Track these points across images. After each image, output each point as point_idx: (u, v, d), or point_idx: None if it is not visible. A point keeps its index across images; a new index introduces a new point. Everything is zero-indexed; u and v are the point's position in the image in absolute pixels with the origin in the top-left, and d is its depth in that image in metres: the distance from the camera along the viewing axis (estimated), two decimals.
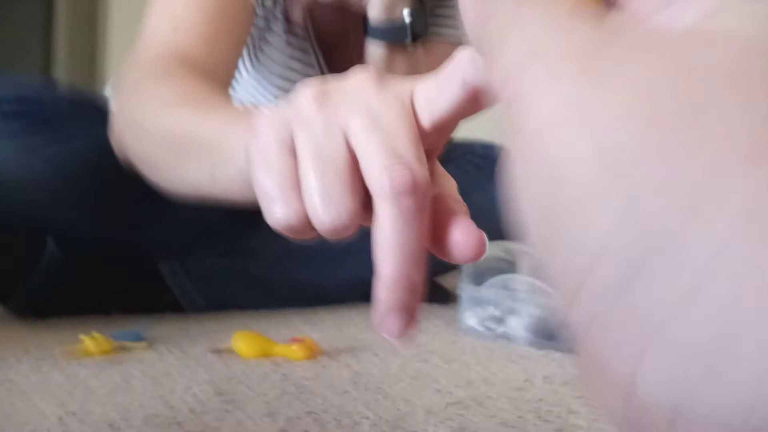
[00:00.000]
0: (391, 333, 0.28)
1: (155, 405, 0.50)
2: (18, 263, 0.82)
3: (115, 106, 0.65)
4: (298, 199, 0.29)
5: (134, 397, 0.51)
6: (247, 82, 0.95)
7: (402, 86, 0.30)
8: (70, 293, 0.85)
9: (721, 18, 0.13)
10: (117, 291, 0.88)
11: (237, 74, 0.90)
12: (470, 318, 0.77)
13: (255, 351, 0.65)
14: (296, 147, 0.29)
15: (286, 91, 0.92)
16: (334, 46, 0.97)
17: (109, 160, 0.85)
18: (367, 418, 0.47)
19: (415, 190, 0.26)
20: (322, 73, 0.95)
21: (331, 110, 0.28)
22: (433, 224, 0.29)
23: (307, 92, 0.30)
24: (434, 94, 0.29)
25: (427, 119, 0.29)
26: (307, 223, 0.29)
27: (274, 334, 0.77)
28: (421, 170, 0.27)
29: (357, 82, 0.30)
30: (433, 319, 0.87)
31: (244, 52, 0.90)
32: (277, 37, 0.93)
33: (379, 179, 0.26)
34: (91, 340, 0.64)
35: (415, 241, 0.27)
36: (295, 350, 0.65)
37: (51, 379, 0.56)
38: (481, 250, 0.28)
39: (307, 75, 0.93)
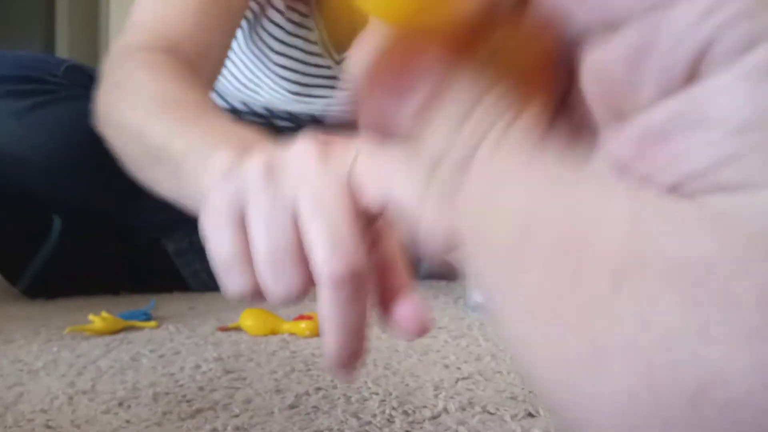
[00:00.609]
0: (339, 373, 0.29)
1: (164, 383, 0.50)
2: (26, 245, 0.82)
3: (100, 92, 0.67)
4: (249, 270, 0.29)
5: (143, 375, 0.52)
6: (246, 59, 0.94)
7: (344, 157, 0.29)
8: (78, 273, 0.85)
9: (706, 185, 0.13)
10: (125, 271, 0.88)
11: (233, 53, 0.90)
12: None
13: (263, 328, 0.65)
14: (247, 220, 0.29)
15: (287, 68, 0.91)
16: (337, 22, 0.96)
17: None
18: (376, 393, 0.47)
19: (351, 279, 0.27)
20: (325, 49, 0.94)
21: (278, 187, 0.29)
22: (381, 296, 0.30)
23: (255, 166, 0.30)
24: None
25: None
26: (259, 292, 0.30)
27: (282, 311, 0.77)
28: (357, 257, 0.27)
29: (300, 156, 0.30)
30: (441, 296, 0.87)
31: (243, 30, 0.89)
32: (278, 13, 0.92)
33: (320, 267, 0.27)
34: (99, 319, 0.64)
35: (354, 320, 0.28)
36: (303, 327, 0.65)
37: (60, 359, 0.56)
38: (424, 327, 0.29)
39: (310, 52, 0.92)
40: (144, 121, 0.54)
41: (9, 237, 0.83)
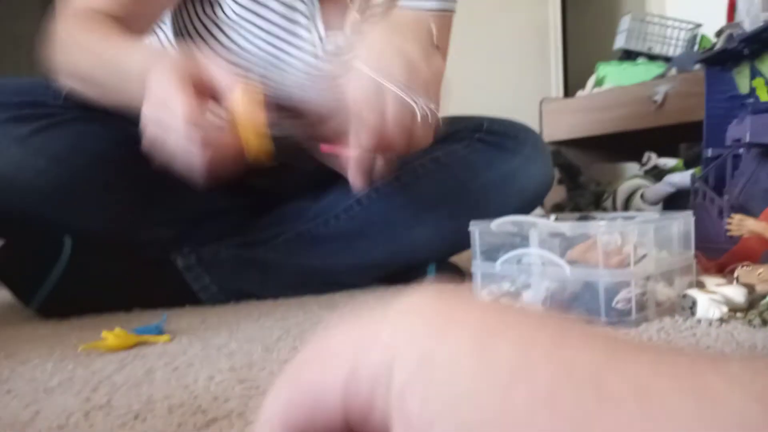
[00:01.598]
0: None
1: (179, 394, 0.50)
2: (37, 265, 0.83)
3: (52, 50, 0.84)
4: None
5: (158, 388, 0.52)
6: (239, 25, 0.91)
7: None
8: (90, 292, 0.86)
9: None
10: (136, 288, 0.89)
11: (228, 18, 0.89)
12: (485, 295, 0.77)
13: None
14: None
15: (284, 29, 0.91)
16: None
17: (112, 153, 0.87)
18: None
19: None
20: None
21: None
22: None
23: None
24: None
25: None
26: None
27: (293, 320, 0.77)
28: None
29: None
30: None
31: None
32: None
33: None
34: (112, 335, 0.65)
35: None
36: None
37: (75, 376, 0.57)
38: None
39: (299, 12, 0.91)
40: (95, 58, 0.80)
41: (21, 258, 0.84)
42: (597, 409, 0.14)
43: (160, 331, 0.70)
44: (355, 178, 0.77)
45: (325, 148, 0.81)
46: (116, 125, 0.91)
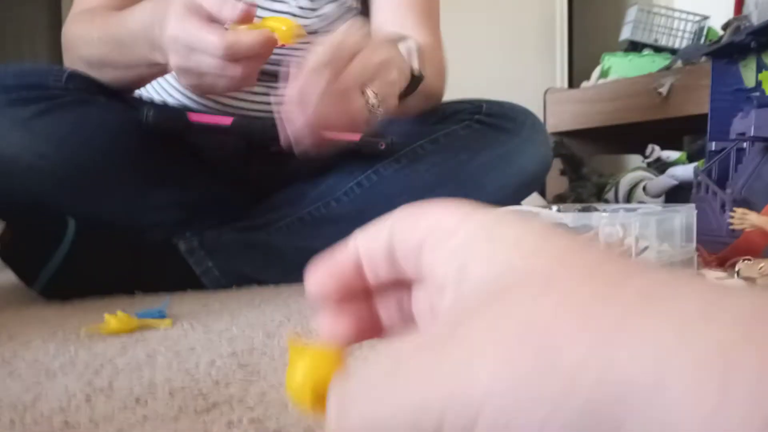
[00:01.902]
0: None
1: (180, 379, 0.50)
2: (41, 246, 0.83)
3: (65, 52, 0.98)
4: None
5: (159, 372, 0.52)
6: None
7: None
8: (93, 274, 0.86)
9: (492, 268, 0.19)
10: (139, 271, 0.89)
11: None
12: None
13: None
14: None
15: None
16: None
17: (113, 140, 0.88)
18: None
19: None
20: None
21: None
22: None
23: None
24: None
25: None
26: None
27: (294, 306, 0.78)
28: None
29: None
30: None
31: None
32: None
33: None
34: (115, 318, 0.65)
35: None
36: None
37: (77, 359, 0.57)
38: None
39: None
40: (105, 42, 0.89)
41: (24, 240, 0.84)
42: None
43: (162, 316, 0.70)
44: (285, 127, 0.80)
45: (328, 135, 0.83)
46: (118, 109, 0.92)
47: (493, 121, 1.00)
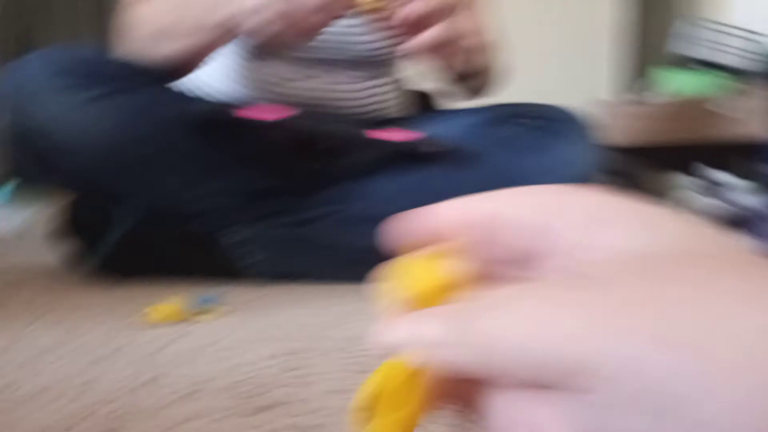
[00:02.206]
0: None
1: (226, 377, 0.50)
2: (98, 226, 0.84)
3: (128, 38, 0.98)
4: None
5: (205, 369, 0.52)
6: None
7: None
8: (143, 258, 0.87)
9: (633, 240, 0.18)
10: (187, 259, 0.90)
11: None
12: None
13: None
14: None
15: None
16: None
17: (166, 127, 0.90)
18: None
19: None
20: None
21: None
22: None
23: None
24: None
25: None
26: None
27: (337, 309, 0.77)
28: None
29: None
30: None
31: None
32: None
33: None
34: (163, 307, 0.66)
35: None
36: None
37: (126, 346, 0.57)
38: None
39: None
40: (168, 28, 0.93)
41: (81, 217, 0.85)
42: None
43: (211, 306, 0.70)
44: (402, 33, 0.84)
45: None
46: (171, 98, 0.93)
47: (540, 123, 0.99)
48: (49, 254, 1.10)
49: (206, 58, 0.99)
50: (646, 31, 2.67)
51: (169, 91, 0.97)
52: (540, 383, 0.17)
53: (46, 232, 1.07)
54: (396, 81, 1.15)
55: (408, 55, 0.88)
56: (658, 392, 0.15)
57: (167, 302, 0.67)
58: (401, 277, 0.20)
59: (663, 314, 0.15)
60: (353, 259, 0.98)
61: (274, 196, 0.99)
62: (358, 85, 1.06)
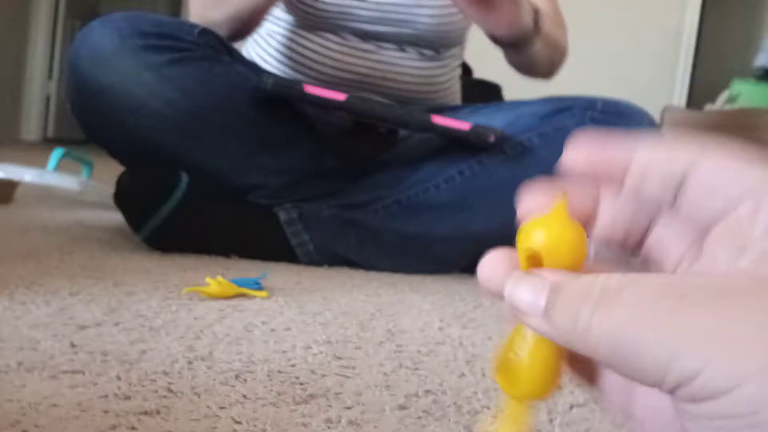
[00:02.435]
0: None
1: (277, 360, 0.50)
2: (152, 196, 0.86)
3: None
4: None
5: (257, 348, 0.52)
6: None
7: None
8: (196, 230, 0.88)
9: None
10: (239, 234, 0.91)
11: None
12: None
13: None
14: None
15: None
16: None
17: (234, 97, 0.91)
18: (487, 407, 0.46)
19: None
20: None
21: None
22: None
23: None
24: None
25: None
26: None
27: (385, 298, 0.77)
28: None
29: None
30: None
31: None
32: None
33: None
34: (215, 282, 0.66)
35: None
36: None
37: (179, 319, 0.58)
38: None
39: None
40: None
41: (138, 187, 0.87)
42: None
43: (258, 287, 0.71)
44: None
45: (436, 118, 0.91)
46: (240, 70, 0.95)
47: (607, 118, 0.95)
48: (105, 215, 1.12)
49: (258, 23, 1.01)
50: (729, 39, 2.57)
51: (242, 61, 0.98)
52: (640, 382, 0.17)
53: (105, 194, 1.10)
54: (454, 67, 1.14)
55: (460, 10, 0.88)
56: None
57: (219, 278, 0.67)
58: (539, 230, 0.20)
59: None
60: (399, 247, 0.98)
61: (328, 177, 0.99)
62: (415, 64, 1.05)
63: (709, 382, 0.15)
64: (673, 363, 0.15)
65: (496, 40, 1.00)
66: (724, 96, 1.84)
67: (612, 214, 0.22)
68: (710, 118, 1.79)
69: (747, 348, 0.15)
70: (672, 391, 0.16)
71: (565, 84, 1.04)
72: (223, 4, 0.97)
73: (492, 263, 0.21)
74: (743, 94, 1.74)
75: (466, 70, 1.63)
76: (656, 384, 0.16)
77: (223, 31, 0.98)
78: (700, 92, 2.48)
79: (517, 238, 0.20)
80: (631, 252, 0.22)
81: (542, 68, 1.08)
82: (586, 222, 0.21)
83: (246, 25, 1.00)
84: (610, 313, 0.17)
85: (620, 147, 0.21)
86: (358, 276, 0.90)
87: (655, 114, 2.04)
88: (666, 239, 0.21)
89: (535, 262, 0.20)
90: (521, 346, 0.20)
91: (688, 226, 0.20)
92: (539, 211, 0.21)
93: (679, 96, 2.52)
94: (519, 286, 0.19)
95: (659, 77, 2.50)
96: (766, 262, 0.17)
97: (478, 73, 1.69)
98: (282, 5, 1.03)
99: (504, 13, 0.90)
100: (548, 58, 1.06)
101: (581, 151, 0.22)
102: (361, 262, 0.95)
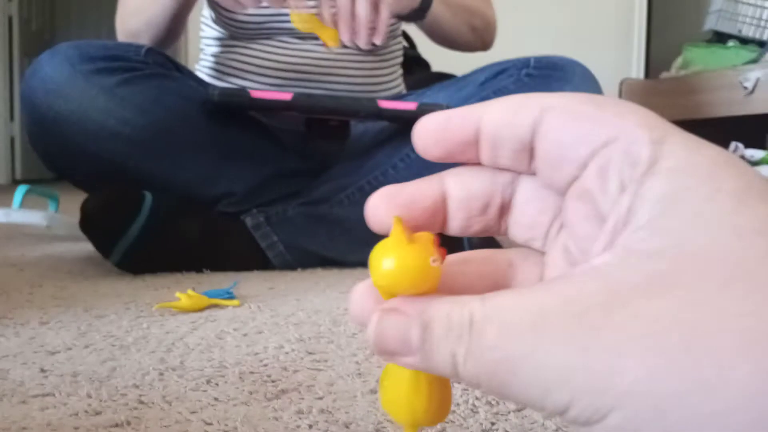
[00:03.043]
0: None
1: (249, 362, 0.51)
2: (119, 219, 0.86)
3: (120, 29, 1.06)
4: None
5: (229, 354, 0.53)
6: None
7: None
8: (166, 249, 0.88)
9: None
10: (209, 247, 0.91)
11: None
12: None
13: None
14: None
15: None
16: None
17: (189, 110, 0.93)
18: (458, 382, 0.47)
19: None
20: None
21: None
22: None
23: None
24: None
25: None
26: None
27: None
28: None
29: None
30: None
31: None
32: None
33: None
34: (186, 296, 0.66)
35: None
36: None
37: (150, 335, 0.58)
38: None
39: None
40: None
41: (103, 212, 0.87)
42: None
43: (230, 296, 0.71)
44: (342, 33, 0.84)
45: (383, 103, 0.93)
46: (191, 84, 0.96)
47: (542, 73, 0.98)
48: (76, 246, 1.12)
49: (177, 31, 1.03)
50: (678, 6, 2.61)
51: (191, 76, 1.00)
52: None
53: (72, 225, 1.09)
54: (396, 60, 1.15)
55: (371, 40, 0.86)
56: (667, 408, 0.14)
57: (189, 292, 0.68)
58: (378, 260, 0.19)
59: (653, 367, 0.14)
60: (369, 235, 0.98)
61: (290, 178, 1.00)
62: (355, 59, 1.07)
63: (580, 414, 0.15)
64: (545, 399, 0.15)
65: (399, 17, 1.02)
66: (678, 62, 1.87)
67: (465, 192, 0.21)
68: (665, 86, 1.82)
69: (604, 381, 0.15)
70: (558, 417, 0.16)
71: None
72: (141, 12, 1.00)
73: (359, 299, 0.20)
74: (695, 58, 1.77)
75: (424, 64, 1.65)
76: (541, 411, 0.16)
77: (144, 39, 1.00)
78: (656, 62, 2.52)
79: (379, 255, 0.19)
80: (497, 224, 0.21)
81: (465, 36, 1.12)
82: (436, 212, 0.21)
83: (167, 32, 1.02)
84: (481, 357, 0.16)
85: (464, 119, 0.20)
86: (331, 275, 0.90)
87: (614, 88, 2.07)
88: (530, 208, 0.20)
89: (389, 291, 0.19)
90: (399, 376, 0.19)
91: (550, 192, 0.19)
92: (383, 232, 0.20)
93: (636, 68, 2.55)
94: (384, 329, 0.18)
95: (615, 51, 2.53)
96: (621, 243, 0.16)
97: (436, 67, 1.71)
98: (212, 24, 1.06)
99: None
100: (466, 24, 1.09)
101: (429, 136, 0.20)
102: (334, 256, 0.96)
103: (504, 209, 0.21)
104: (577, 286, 0.16)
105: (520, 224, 0.21)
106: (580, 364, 0.15)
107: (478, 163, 0.20)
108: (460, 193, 0.21)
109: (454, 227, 0.21)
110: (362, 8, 0.82)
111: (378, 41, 0.86)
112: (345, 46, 0.85)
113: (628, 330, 0.15)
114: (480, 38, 1.14)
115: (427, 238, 0.19)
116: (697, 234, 0.15)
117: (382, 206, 0.21)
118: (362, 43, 0.84)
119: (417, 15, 1.01)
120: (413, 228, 0.20)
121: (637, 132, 0.17)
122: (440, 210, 0.21)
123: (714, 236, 0.15)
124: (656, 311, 0.15)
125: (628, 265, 0.16)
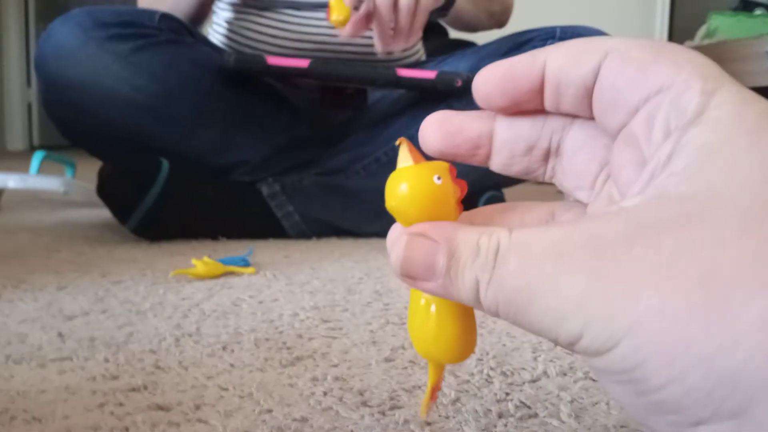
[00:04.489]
0: None
1: (264, 329, 0.51)
2: (136, 186, 0.86)
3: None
4: None
5: (244, 320, 0.53)
6: None
7: None
8: (181, 217, 0.89)
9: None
10: (224, 214, 0.91)
11: None
12: None
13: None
14: None
15: None
16: None
17: (203, 77, 0.91)
18: (473, 352, 0.46)
19: None
20: None
21: None
22: None
23: None
24: None
25: None
26: None
27: (373, 263, 0.77)
28: None
29: None
30: None
31: None
32: None
33: None
34: (202, 263, 0.67)
35: None
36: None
37: (166, 301, 0.58)
38: None
39: None
40: None
41: (121, 179, 0.87)
42: None
43: (246, 263, 0.71)
44: (377, 42, 0.84)
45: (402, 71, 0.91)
46: (205, 51, 0.95)
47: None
48: (93, 212, 1.13)
49: (203, 14, 1.03)
50: None
51: (206, 42, 0.99)
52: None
53: (89, 191, 1.10)
54: None
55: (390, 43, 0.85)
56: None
57: (205, 259, 0.68)
58: (387, 184, 0.20)
59: (666, 300, 0.15)
60: (384, 208, 0.98)
61: (305, 147, 0.99)
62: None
63: (591, 342, 0.16)
64: (559, 327, 0.16)
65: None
66: (702, 31, 1.82)
67: (512, 133, 0.21)
68: None
69: (618, 308, 0.15)
70: (569, 348, 0.16)
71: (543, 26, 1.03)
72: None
73: (395, 228, 0.21)
74: (721, 27, 1.73)
75: (441, 31, 1.62)
76: (554, 342, 0.17)
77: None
78: (680, 30, 2.47)
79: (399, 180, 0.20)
80: (539, 168, 0.21)
81: (483, 22, 1.11)
82: (478, 147, 0.21)
83: (192, 17, 1.01)
84: (502, 285, 0.17)
85: (529, 66, 0.20)
86: (346, 245, 0.90)
87: None
88: (579, 157, 0.20)
89: (407, 218, 0.19)
90: (425, 309, 0.20)
91: (600, 142, 0.20)
92: (430, 152, 0.21)
93: (660, 36, 2.50)
94: (412, 253, 0.18)
95: (639, 19, 2.48)
96: (653, 186, 0.17)
97: (453, 34, 1.68)
98: None
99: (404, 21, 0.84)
100: (485, 12, 1.07)
101: (494, 87, 0.21)
102: (348, 226, 0.96)
103: (549, 154, 0.21)
104: (603, 223, 0.16)
105: (568, 172, 0.21)
106: (596, 291, 0.15)
107: (534, 113, 0.21)
108: (506, 134, 0.21)
109: (497, 163, 0.22)
110: (404, 18, 0.81)
111: (410, 44, 0.85)
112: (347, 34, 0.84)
113: (648, 261, 0.15)
114: (497, 21, 1.13)
115: (439, 164, 0.19)
116: (730, 183, 0.15)
117: (431, 129, 0.22)
118: (397, 47, 0.83)
119: (439, 13, 0.99)
120: (452, 156, 0.21)
121: (690, 81, 0.17)
122: (485, 144, 0.21)
123: (745, 185, 0.15)
124: (677, 246, 0.15)
125: (656, 206, 0.16)
